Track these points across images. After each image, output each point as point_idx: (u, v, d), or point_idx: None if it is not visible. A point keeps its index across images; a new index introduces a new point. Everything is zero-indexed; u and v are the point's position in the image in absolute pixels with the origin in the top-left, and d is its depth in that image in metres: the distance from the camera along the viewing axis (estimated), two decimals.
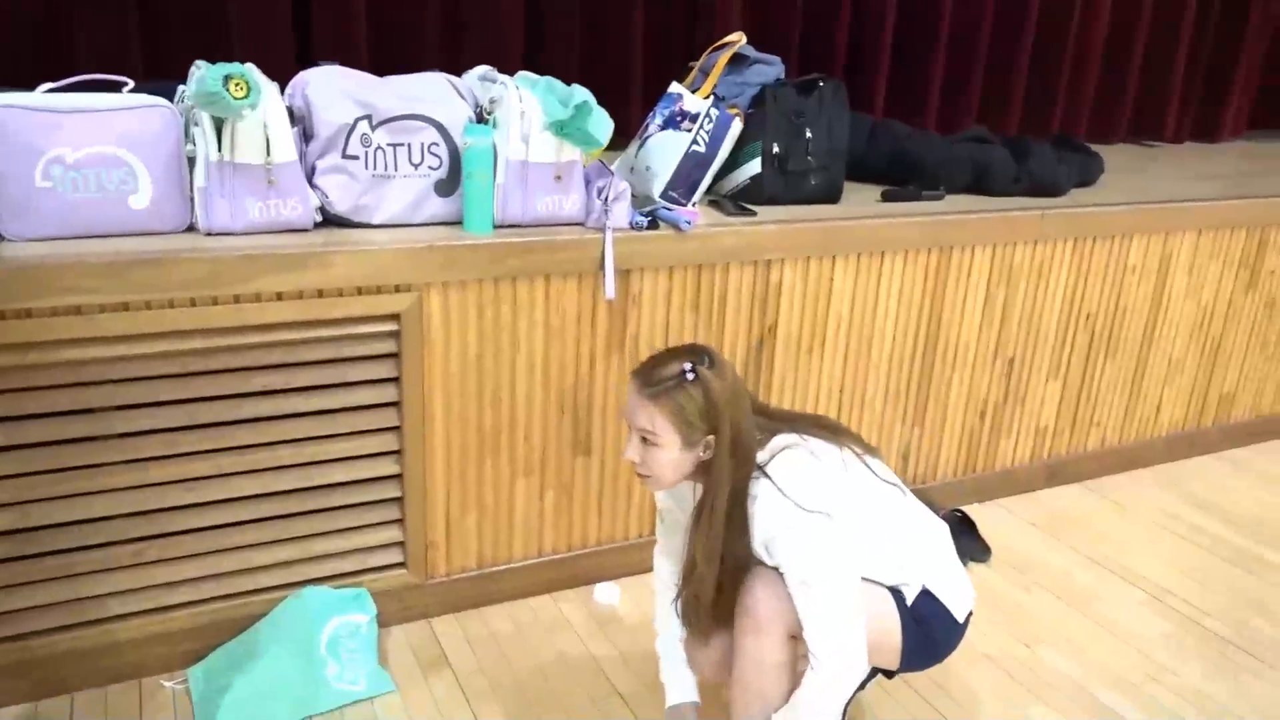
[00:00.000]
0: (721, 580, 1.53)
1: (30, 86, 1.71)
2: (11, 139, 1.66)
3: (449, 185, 1.99)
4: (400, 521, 2.03)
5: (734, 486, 1.50)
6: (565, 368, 2.08)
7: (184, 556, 1.87)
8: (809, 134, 2.34)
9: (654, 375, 1.49)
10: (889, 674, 1.67)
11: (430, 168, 1.97)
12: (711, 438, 1.48)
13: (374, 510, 2.01)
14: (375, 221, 1.95)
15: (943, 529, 1.70)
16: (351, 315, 1.85)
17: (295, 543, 1.95)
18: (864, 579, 1.54)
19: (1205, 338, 2.96)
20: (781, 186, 2.35)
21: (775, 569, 1.51)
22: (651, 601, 2.09)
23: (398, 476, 2.00)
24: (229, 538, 1.89)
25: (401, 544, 2.05)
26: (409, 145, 1.94)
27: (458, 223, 2.00)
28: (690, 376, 1.47)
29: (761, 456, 1.53)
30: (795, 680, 1.54)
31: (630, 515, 2.27)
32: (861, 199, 2.49)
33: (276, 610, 1.92)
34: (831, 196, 2.42)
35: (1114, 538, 2.64)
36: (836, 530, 1.48)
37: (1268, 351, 3.13)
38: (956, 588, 1.64)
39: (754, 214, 2.24)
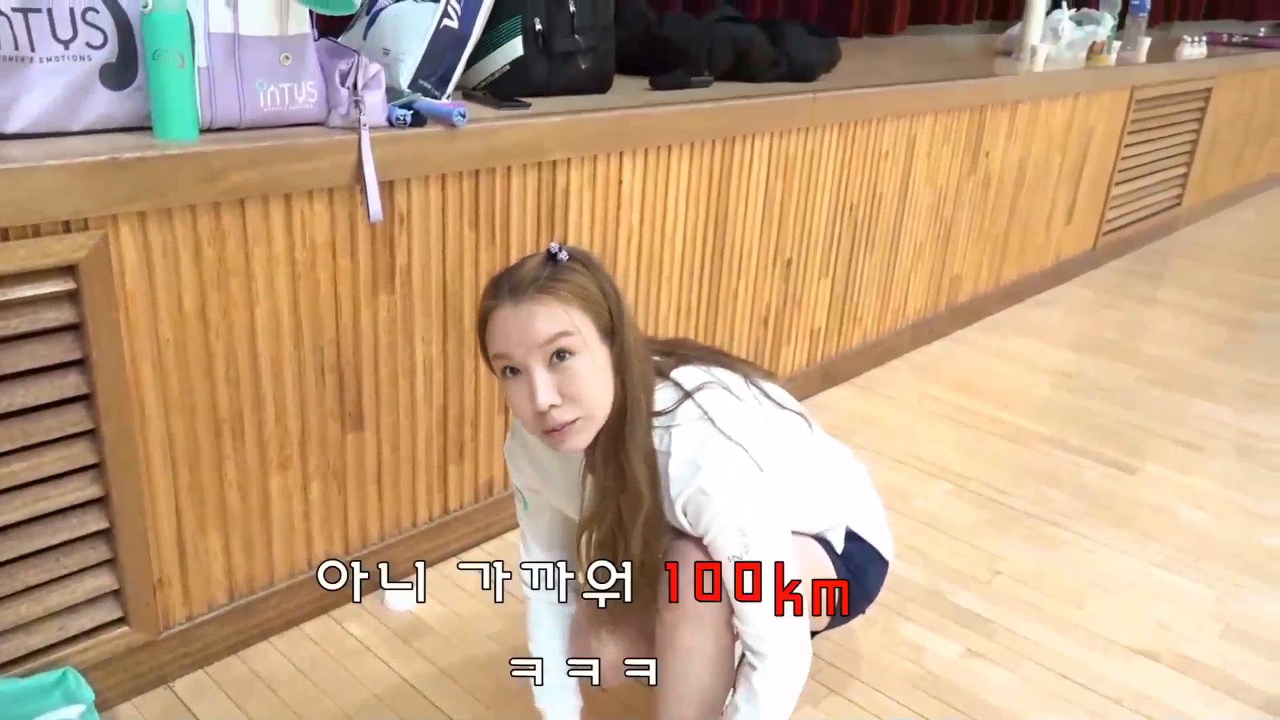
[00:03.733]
0: (646, 536, 1.16)
1: None
2: None
3: (122, 72, 1.37)
4: (112, 562, 1.43)
5: (645, 399, 1.13)
6: (321, 317, 1.55)
7: None
8: (572, 6, 1.94)
9: (522, 279, 1.09)
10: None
11: (90, 45, 1.33)
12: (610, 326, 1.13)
13: (71, 553, 1.38)
14: (11, 129, 1.29)
15: (849, 456, 1.44)
16: None
17: None
18: (793, 532, 1.24)
19: (939, 222, 2.97)
20: (547, 72, 1.93)
21: (696, 540, 1.17)
22: (456, 596, 1.68)
23: (100, 500, 1.39)
24: None
25: (117, 592, 1.45)
26: (49, 12, 1.29)
27: (144, 127, 1.39)
28: (563, 256, 1.11)
29: (676, 386, 1.17)
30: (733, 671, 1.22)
31: (418, 494, 1.80)
32: (626, 88, 2.14)
33: None
34: (603, 84, 2.04)
35: (899, 432, 2.57)
36: (770, 479, 1.16)
37: (985, 232, 3.22)
38: (879, 523, 1.39)
39: (527, 105, 1.81)
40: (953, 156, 2.89)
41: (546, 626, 1.36)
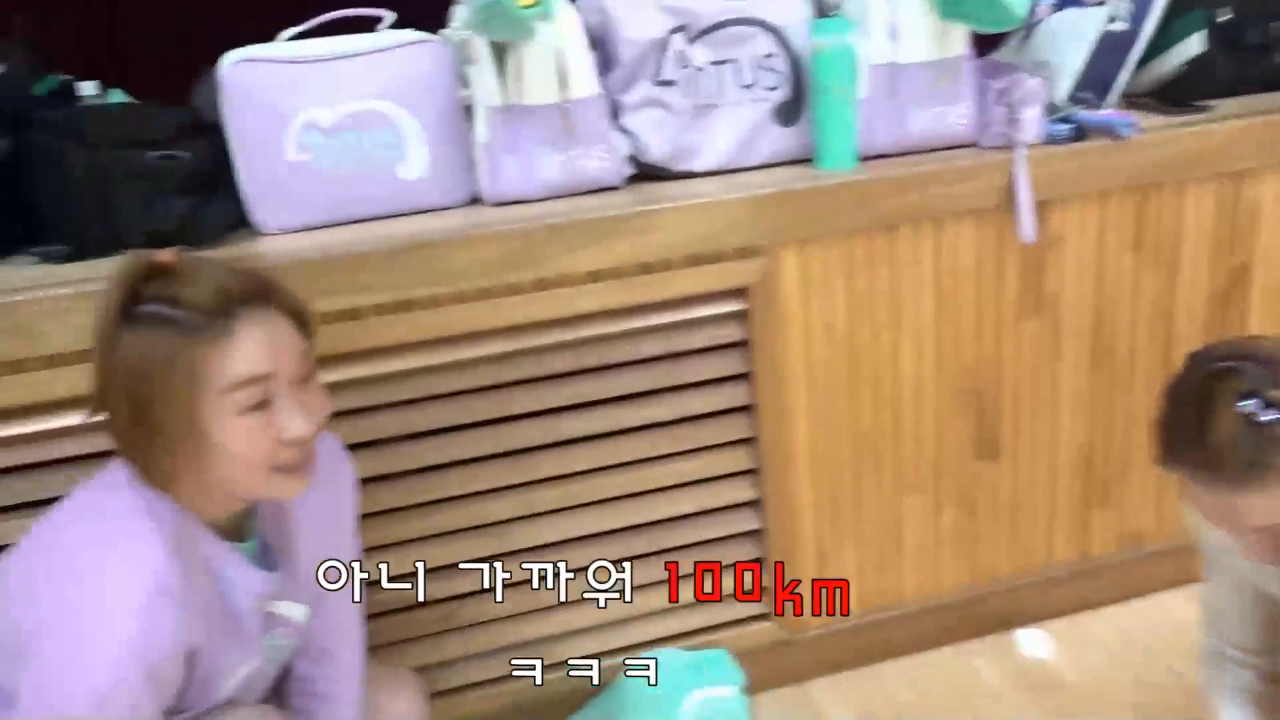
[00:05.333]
0: None
1: (269, 36, 1.35)
2: (256, 103, 1.31)
3: (791, 110, 1.48)
4: (760, 561, 1.55)
5: None
6: (962, 342, 1.52)
7: (498, 619, 1.47)
8: None
9: (1218, 454, 0.88)
10: None
11: (766, 89, 1.46)
12: None
13: (726, 547, 1.53)
14: (698, 168, 1.47)
15: None
16: (685, 295, 1.38)
17: (633, 595, 1.51)
18: None
19: None
20: (1235, 69, 1.67)
21: None
22: (1095, 654, 1.51)
23: (755, 503, 1.52)
24: (551, 591, 1.47)
25: (764, 589, 1.57)
26: (738, 61, 1.45)
27: (802, 160, 1.49)
28: (1266, 418, 0.86)
29: None
30: None
31: (1055, 536, 1.67)
32: None
33: (620, 680, 1.49)
34: None
35: None
36: None
37: None
38: None
39: (1207, 109, 1.59)
40: None
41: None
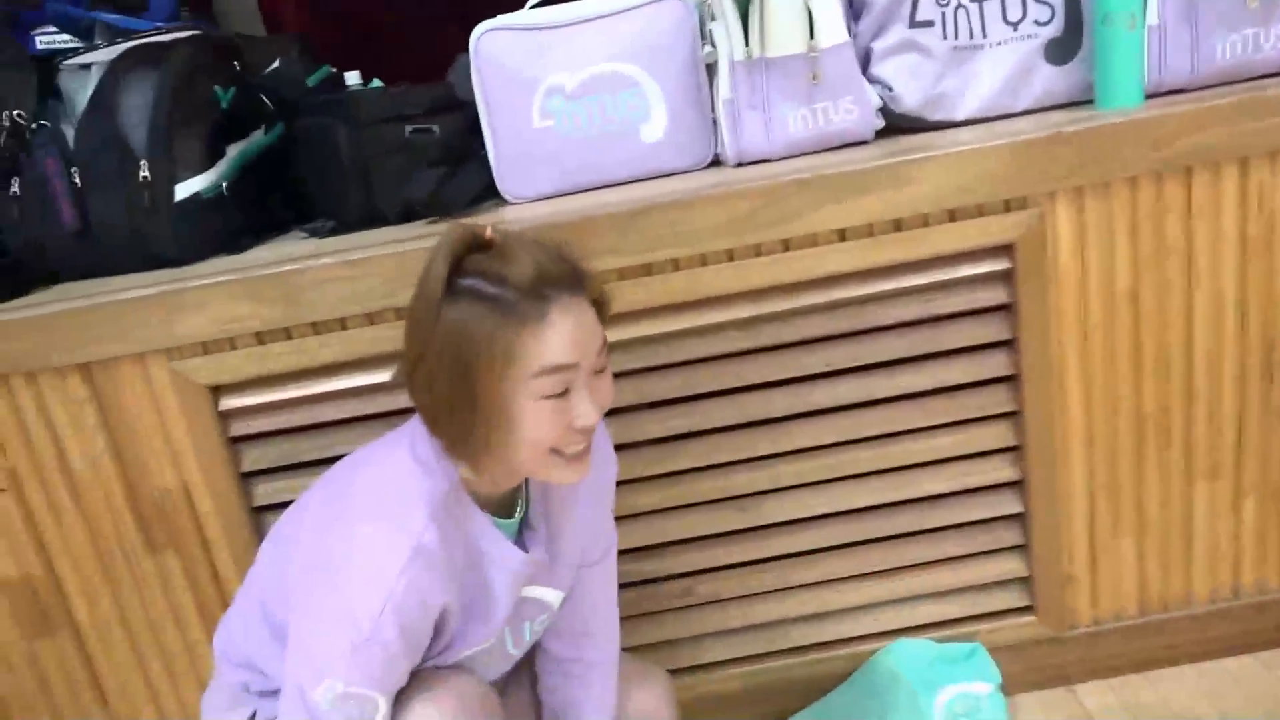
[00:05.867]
0: None
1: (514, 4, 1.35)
2: (504, 72, 1.32)
3: (1065, 45, 1.33)
4: (1024, 548, 1.41)
5: None
6: (1272, 306, 1.32)
7: (737, 597, 1.42)
8: None
9: None
10: None
11: (1037, 22, 1.32)
12: None
13: (985, 532, 1.40)
14: (959, 116, 1.35)
15: None
16: (943, 253, 1.27)
17: (882, 578, 1.41)
18: None
19: None
20: None
21: None
22: None
23: (1017, 484, 1.38)
24: (795, 571, 1.40)
25: (1026, 579, 1.43)
26: None
27: (1078, 102, 1.34)
28: None
29: None
30: None
31: None
32: None
33: (867, 669, 1.40)
34: None
35: None
36: None
37: None
38: None
39: None
40: None
41: None
